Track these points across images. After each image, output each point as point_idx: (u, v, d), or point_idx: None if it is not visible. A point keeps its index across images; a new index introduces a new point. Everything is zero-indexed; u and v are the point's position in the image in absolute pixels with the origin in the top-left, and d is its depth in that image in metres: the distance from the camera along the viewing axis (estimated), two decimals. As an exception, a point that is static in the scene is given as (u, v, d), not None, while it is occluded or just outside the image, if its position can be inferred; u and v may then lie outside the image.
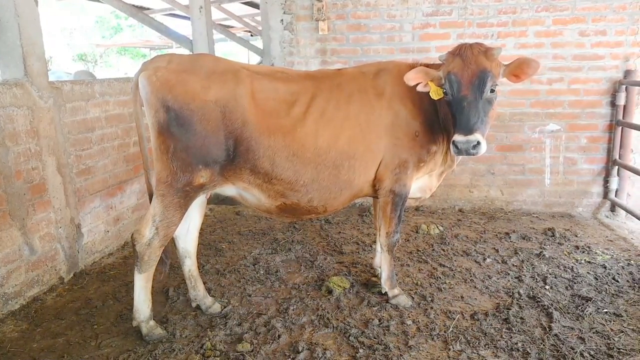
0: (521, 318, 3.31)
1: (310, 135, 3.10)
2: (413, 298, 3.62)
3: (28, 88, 3.60)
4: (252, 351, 2.97)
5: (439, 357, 2.92)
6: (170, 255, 3.25)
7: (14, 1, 3.48)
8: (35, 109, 3.66)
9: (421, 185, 3.60)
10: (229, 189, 3.21)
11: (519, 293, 3.65)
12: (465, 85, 2.98)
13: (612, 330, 3.16)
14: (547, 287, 3.76)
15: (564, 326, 3.21)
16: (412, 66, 3.46)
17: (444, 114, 3.28)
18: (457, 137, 2.95)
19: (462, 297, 3.65)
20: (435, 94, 3.12)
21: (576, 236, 4.87)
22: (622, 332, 3.15)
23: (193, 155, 2.90)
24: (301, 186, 3.15)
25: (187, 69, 2.92)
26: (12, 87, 3.47)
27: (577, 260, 4.27)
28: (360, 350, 2.97)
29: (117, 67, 25.16)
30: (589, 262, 4.24)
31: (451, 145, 3.01)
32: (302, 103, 3.13)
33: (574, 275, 3.96)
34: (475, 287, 3.81)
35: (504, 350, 2.96)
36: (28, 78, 3.61)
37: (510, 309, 3.40)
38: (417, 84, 3.14)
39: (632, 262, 4.20)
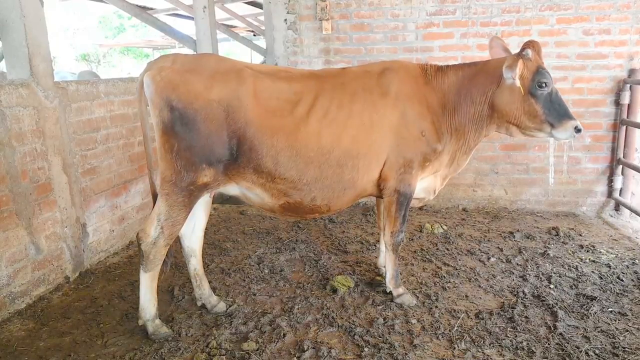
0: (526, 317, 3.31)
1: (313, 134, 3.10)
2: (417, 297, 3.62)
3: (34, 88, 3.62)
4: (257, 350, 2.98)
5: (444, 355, 2.93)
6: (171, 255, 3.24)
7: (20, 2, 3.49)
8: (41, 109, 3.68)
9: (426, 185, 3.60)
10: (232, 188, 3.21)
11: (523, 292, 3.65)
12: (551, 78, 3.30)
13: (617, 329, 3.16)
14: (551, 286, 3.75)
15: (568, 325, 3.20)
16: (420, 66, 3.48)
17: (514, 108, 3.31)
18: (575, 122, 3.24)
19: (466, 296, 3.65)
20: (522, 88, 3.24)
21: (580, 235, 4.87)
22: (627, 331, 3.14)
23: (197, 154, 2.91)
24: (304, 185, 3.15)
25: (190, 69, 2.93)
26: (18, 87, 3.49)
27: (581, 260, 4.26)
28: (365, 349, 2.98)
29: (120, 67, 25.22)
30: (593, 261, 4.23)
31: (575, 131, 3.23)
32: (305, 102, 3.13)
33: (579, 274, 3.96)
34: (479, 286, 3.81)
35: (509, 349, 2.96)
36: (34, 78, 3.63)
37: (515, 308, 3.40)
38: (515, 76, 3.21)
39: (636, 261, 4.19)
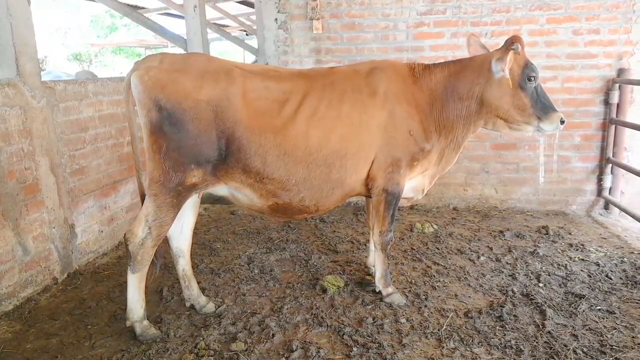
0: (515, 316, 3.32)
1: (301, 134, 3.09)
2: (407, 296, 3.62)
3: (20, 88, 3.59)
4: (246, 350, 2.97)
5: (433, 355, 2.93)
6: (160, 256, 3.23)
7: (7, 1, 3.46)
8: (28, 108, 3.64)
9: (415, 185, 3.60)
10: (221, 189, 3.20)
11: (512, 291, 3.66)
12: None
13: (605, 327, 3.18)
14: (540, 284, 3.77)
15: (557, 323, 3.22)
16: (408, 65, 3.49)
17: (504, 102, 3.35)
18: (560, 114, 3.34)
19: (456, 295, 3.66)
20: (511, 81, 3.29)
21: (570, 234, 4.89)
22: (615, 329, 3.16)
23: (185, 155, 2.89)
24: (293, 185, 3.14)
25: (179, 69, 2.91)
26: (4, 86, 3.46)
27: (570, 258, 4.28)
28: (354, 349, 2.97)
29: (112, 67, 25.06)
30: (582, 259, 4.25)
31: (560, 124, 3.34)
32: (293, 102, 3.12)
33: (568, 272, 3.98)
34: (469, 285, 3.82)
35: (498, 348, 2.97)
36: (20, 78, 3.60)
37: (504, 307, 3.41)
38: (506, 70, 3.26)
39: (625, 259, 4.22)
